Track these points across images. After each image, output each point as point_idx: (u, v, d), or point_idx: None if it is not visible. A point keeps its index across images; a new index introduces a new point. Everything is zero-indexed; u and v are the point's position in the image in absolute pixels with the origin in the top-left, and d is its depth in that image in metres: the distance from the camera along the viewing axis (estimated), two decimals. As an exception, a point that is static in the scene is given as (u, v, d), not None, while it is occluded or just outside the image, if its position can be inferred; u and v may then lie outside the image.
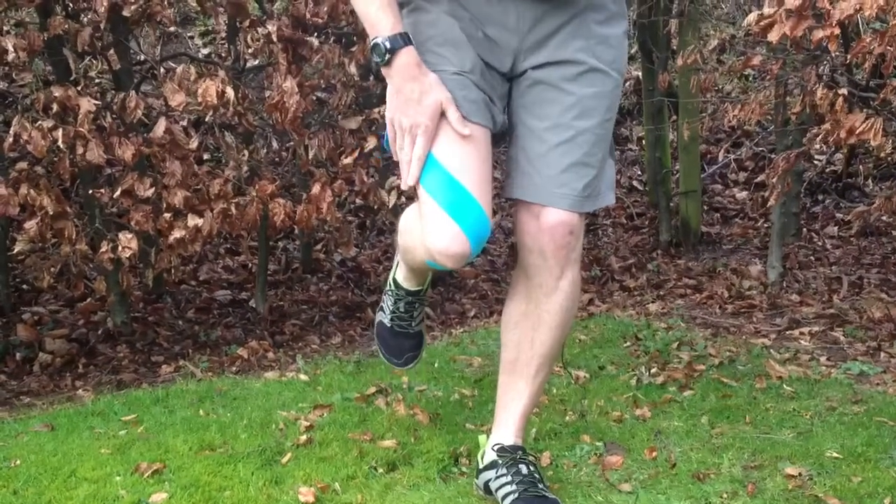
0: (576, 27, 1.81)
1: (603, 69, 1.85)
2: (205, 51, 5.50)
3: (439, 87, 1.78)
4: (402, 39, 1.76)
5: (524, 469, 1.95)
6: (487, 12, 1.82)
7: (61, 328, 3.54)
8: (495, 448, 2.01)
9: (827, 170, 5.42)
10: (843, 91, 3.08)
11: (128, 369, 3.25)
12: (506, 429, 2.03)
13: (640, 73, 5.20)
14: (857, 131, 2.96)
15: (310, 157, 3.35)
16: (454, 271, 4.28)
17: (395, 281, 2.20)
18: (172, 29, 4.77)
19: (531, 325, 1.97)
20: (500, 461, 1.98)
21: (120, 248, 3.02)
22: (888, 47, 2.82)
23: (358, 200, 4.49)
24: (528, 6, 1.80)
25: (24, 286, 3.85)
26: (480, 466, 2.05)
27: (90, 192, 3.16)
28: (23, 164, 3.04)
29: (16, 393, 3.03)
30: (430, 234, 1.78)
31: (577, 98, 1.84)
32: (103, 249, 3.03)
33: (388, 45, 1.75)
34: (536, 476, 1.96)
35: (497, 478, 1.97)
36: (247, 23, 3.23)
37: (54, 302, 3.80)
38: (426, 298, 2.23)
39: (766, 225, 4.85)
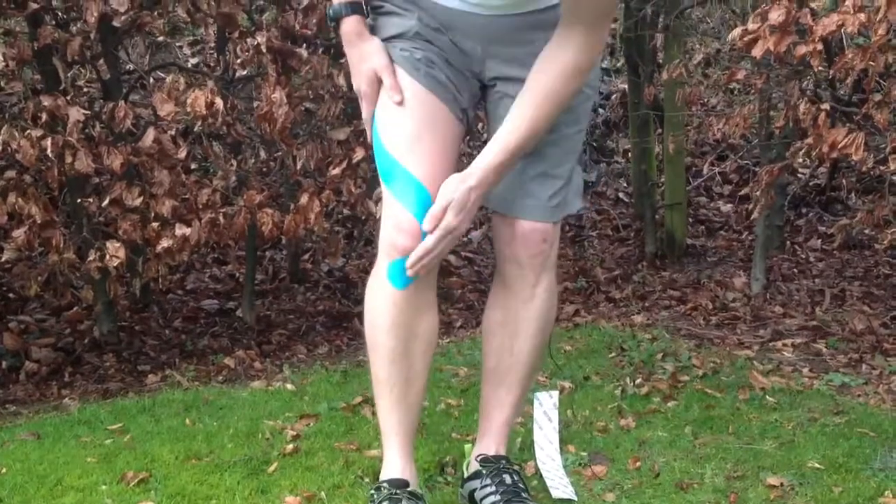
0: (544, 42, 1.79)
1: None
2: (193, 60, 5.50)
3: (378, 55, 1.84)
4: (347, 8, 1.84)
5: (508, 479, 1.97)
6: (452, 21, 1.84)
7: (48, 337, 3.53)
8: (478, 458, 2.03)
9: (810, 183, 5.47)
10: (826, 106, 3.12)
11: (114, 378, 3.25)
12: (489, 439, 2.05)
13: (626, 87, 5.24)
14: (840, 146, 3.00)
15: (298, 167, 3.36)
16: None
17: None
18: (161, 39, 4.78)
19: (509, 334, 1.99)
20: (484, 471, 2.00)
21: (107, 257, 3.02)
22: (870, 63, 2.86)
23: (345, 211, 4.50)
24: (493, 19, 1.82)
25: (11, 294, 3.83)
26: (465, 476, 2.06)
27: (78, 200, 3.16)
28: (11, 173, 3.04)
29: (1, 401, 3.03)
30: (384, 219, 1.83)
31: None
32: (91, 258, 3.03)
33: (331, 12, 1.86)
34: (521, 486, 1.98)
35: (481, 487, 1.98)
36: (236, 34, 3.25)
37: (41, 310, 3.79)
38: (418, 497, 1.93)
39: (750, 237, 4.89)
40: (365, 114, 1.90)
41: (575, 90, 1.77)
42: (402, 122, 1.83)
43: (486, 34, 1.84)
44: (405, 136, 1.82)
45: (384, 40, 1.86)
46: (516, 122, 1.76)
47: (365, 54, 1.85)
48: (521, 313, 1.96)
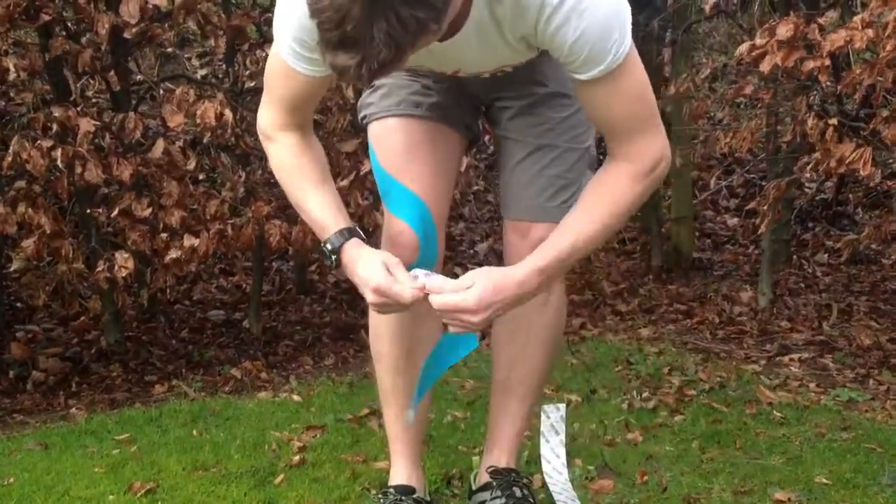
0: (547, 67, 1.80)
1: (566, 93, 1.86)
2: (202, 71, 5.53)
3: (379, 273, 1.60)
4: (344, 235, 1.67)
5: (518, 492, 1.97)
6: (451, 80, 1.85)
7: (55, 346, 3.54)
8: (489, 470, 2.03)
9: (817, 198, 5.46)
10: (834, 121, 3.12)
11: (121, 388, 3.25)
12: (499, 451, 2.04)
13: (633, 100, 5.24)
14: (847, 161, 3.00)
15: (306, 179, 3.37)
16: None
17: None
18: (170, 50, 4.80)
19: (521, 343, 1.99)
20: (495, 483, 2.00)
21: (116, 267, 3.03)
22: (878, 78, 2.86)
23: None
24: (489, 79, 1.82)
25: (18, 304, 3.85)
26: (474, 488, 2.06)
27: (87, 211, 3.17)
28: (21, 184, 3.06)
29: (9, 411, 3.03)
30: (383, 233, 1.85)
31: (546, 117, 1.88)
32: (99, 269, 3.04)
33: (328, 247, 1.68)
34: (531, 500, 1.98)
35: (491, 499, 1.98)
36: (246, 46, 3.27)
37: (48, 320, 3.80)
38: None
39: (756, 251, 4.88)
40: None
41: (638, 195, 1.62)
42: (396, 136, 1.84)
43: (486, 84, 1.84)
44: (399, 151, 1.83)
45: (386, 104, 1.85)
46: (566, 234, 1.63)
47: (360, 282, 1.63)
48: (534, 320, 1.95)
